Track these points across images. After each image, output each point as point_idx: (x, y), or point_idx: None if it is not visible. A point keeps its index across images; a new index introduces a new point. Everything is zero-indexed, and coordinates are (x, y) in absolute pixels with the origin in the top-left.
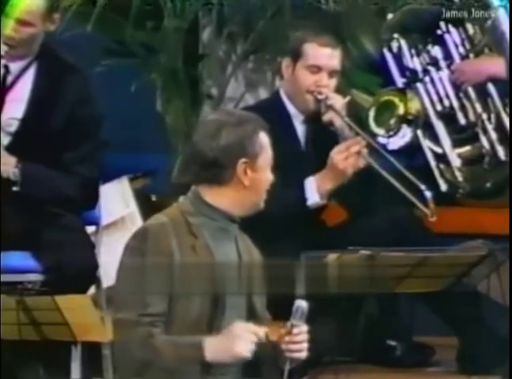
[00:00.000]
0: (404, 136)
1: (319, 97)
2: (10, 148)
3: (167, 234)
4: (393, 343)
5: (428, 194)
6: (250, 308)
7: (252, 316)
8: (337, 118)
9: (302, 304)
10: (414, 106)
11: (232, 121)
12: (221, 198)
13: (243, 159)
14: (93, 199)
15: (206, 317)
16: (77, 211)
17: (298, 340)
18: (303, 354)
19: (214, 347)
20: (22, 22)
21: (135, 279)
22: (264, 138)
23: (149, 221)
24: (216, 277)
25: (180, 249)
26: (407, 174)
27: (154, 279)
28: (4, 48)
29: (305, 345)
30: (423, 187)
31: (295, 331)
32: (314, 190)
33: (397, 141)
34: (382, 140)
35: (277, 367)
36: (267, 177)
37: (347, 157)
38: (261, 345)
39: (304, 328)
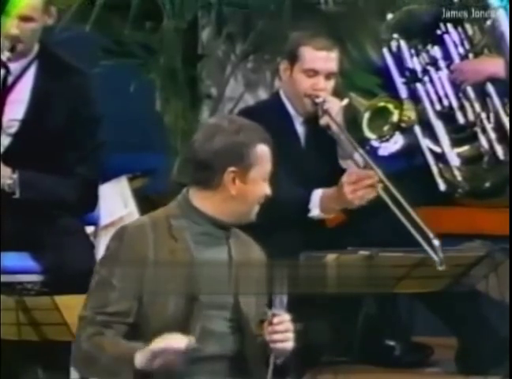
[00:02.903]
0: (397, 142)
1: (316, 101)
2: (10, 150)
3: (144, 235)
4: (391, 342)
5: (437, 242)
6: (236, 309)
7: (239, 317)
8: (333, 123)
9: None
10: (409, 115)
11: (230, 128)
12: (208, 203)
13: (232, 168)
14: (93, 200)
15: (181, 318)
16: (77, 213)
17: (280, 329)
18: (288, 345)
19: (143, 356)
20: (24, 18)
21: (105, 278)
22: (262, 151)
23: (131, 222)
24: (189, 278)
25: (156, 252)
26: (416, 219)
27: (122, 279)
28: (8, 47)
29: (289, 335)
30: (431, 235)
31: (275, 320)
32: (317, 205)
33: (389, 147)
34: (373, 144)
35: (265, 364)
36: (259, 190)
37: (356, 189)
38: (247, 341)
39: (286, 317)
